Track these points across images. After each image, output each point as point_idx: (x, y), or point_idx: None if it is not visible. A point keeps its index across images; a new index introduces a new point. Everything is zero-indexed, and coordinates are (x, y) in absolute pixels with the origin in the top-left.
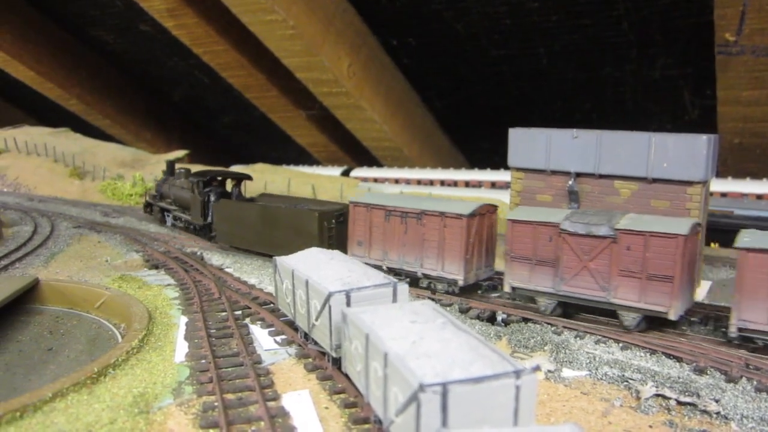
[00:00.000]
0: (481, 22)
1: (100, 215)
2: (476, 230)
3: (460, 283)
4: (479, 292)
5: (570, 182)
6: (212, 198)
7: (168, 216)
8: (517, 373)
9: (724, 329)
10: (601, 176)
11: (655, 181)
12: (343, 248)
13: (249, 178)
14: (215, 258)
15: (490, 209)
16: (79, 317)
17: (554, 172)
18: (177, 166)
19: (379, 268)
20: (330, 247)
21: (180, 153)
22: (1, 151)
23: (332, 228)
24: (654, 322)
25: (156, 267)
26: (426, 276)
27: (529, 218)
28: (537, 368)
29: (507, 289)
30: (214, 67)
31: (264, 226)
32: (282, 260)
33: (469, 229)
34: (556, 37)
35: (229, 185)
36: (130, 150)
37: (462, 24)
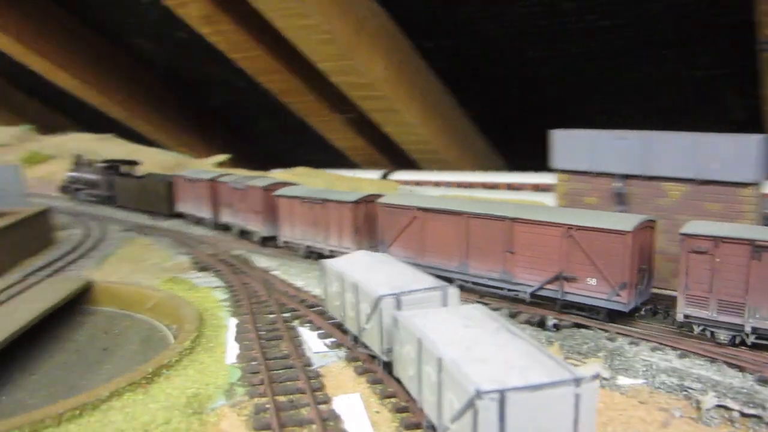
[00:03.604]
0: (517, 24)
1: (149, 219)
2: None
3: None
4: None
5: (617, 184)
6: (115, 178)
7: (80, 193)
8: (577, 381)
9: None
10: (649, 178)
11: (705, 182)
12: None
13: (137, 163)
14: (261, 261)
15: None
16: (132, 318)
17: (600, 174)
18: (84, 158)
19: (184, 214)
20: (170, 202)
21: (221, 157)
22: (50, 157)
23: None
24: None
25: (204, 269)
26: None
27: (226, 182)
28: (597, 376)
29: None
30: (251, 73)
31: (141, 192)
32: (330, 263)
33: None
34: (591, 38)
35: (124, 168)
36: (172, 154)
37: (497, 25)
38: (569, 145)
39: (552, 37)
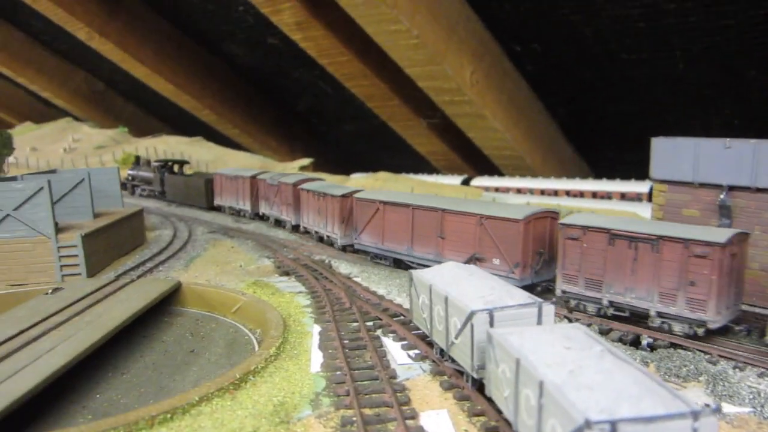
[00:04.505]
0: (612, 26)
1: (232, 221)
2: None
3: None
4: None
5: (722, 196)
6: (165, 175)
7: (137, 189)
8: (695, 414)
9: None
10: (759, 190)
11: None
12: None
13: (187, 162)
14: (343, 266)
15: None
16: (217, 321)
17: (702, 185)
18: (143, 159)
19: (221, 207)
20: (208, 196)
21: (305, 161)
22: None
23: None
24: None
25: (287, 274)
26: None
27: (264, 179)
28: (718, 410)
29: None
30: (338, 78)
31: (185, 188)
32: (419, 274)
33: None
34: (694, 39)
35: (176, 168)
36: (258, 158)
37: (590, 28)
38: (670, 153)
39: (650, 39)
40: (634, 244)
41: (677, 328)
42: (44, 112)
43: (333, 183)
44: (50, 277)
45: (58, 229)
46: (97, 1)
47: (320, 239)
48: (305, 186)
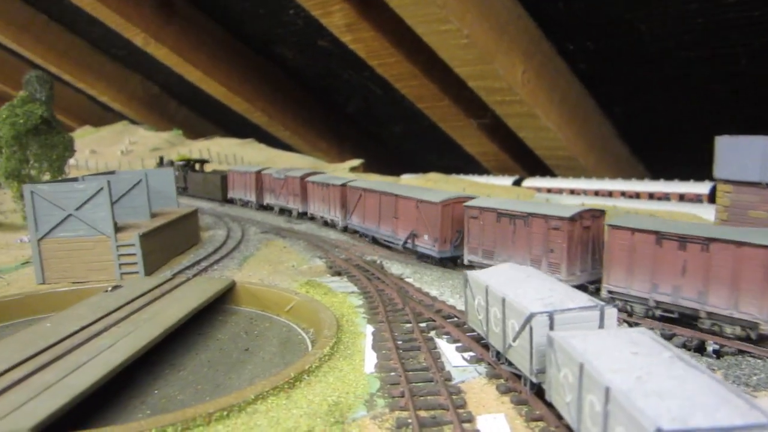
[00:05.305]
0: (669, 23)
1: (284, 221)
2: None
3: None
4: None
5: None
6: (188, 173)
7: None
8: None
9: None
10: None
11: None
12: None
13: (207, 161)
14: (395, 267)
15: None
16: (271, 320)
17: None
18: (166, 159)
19: (233, 199)
20: (223, 191)
21: (354, 162)
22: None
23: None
24: None
25: (338, 274)
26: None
27: (269, 173)
28: None
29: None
30: (388, 79)
31: (204, 183)
32: (474, 275)
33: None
34: (757, 34)
35: (197, 166)
36: (308, 159)
37: (646, 25)
38: (736, 152)
39: (709, 36)
40: (513, 220)
41: None
42: (102, 116)
43: (333, 175)
44: (110, 275)
45: (117, 229)
46: (152, 8)
47: (325, 223)
48: (311, 179)
